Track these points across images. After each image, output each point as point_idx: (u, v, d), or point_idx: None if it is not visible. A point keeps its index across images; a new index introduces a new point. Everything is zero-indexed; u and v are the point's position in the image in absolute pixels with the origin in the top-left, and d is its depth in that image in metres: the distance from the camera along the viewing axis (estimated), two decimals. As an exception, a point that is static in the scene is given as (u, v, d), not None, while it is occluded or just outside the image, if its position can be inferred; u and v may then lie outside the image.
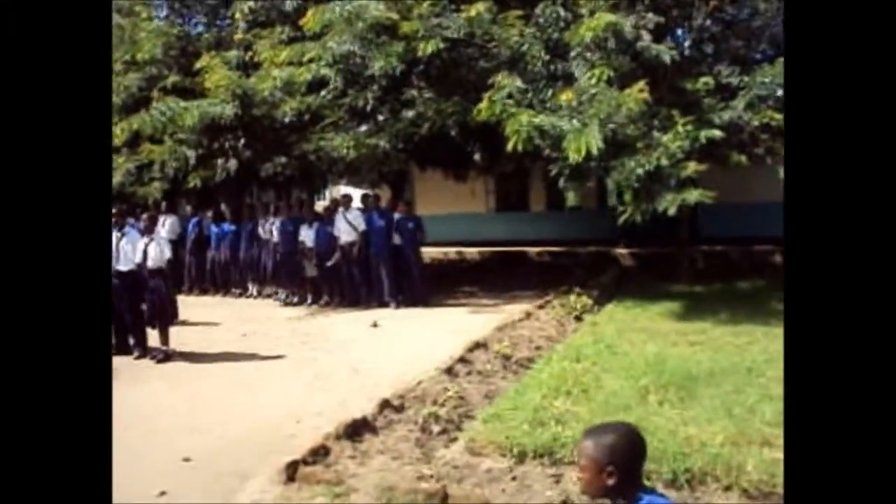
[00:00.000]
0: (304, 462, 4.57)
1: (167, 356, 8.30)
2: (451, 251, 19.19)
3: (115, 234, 8.67)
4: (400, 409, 5.67)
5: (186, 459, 5.05)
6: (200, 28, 16.27)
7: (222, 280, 14.07)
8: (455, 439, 5.22)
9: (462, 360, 7.09)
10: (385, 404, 5.64)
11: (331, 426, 5.22)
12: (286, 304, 12.57)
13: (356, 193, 14.38)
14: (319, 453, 4.72)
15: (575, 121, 9.36)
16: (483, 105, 9.85)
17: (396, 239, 11.75)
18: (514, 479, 4.49)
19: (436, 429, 5.34)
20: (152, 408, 6.53)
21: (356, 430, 5.11)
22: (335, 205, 12.74)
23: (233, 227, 13.90)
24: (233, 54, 13.38)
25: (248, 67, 13.35)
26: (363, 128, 12.66)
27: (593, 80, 9.47)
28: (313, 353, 8.42)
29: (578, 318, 9.67)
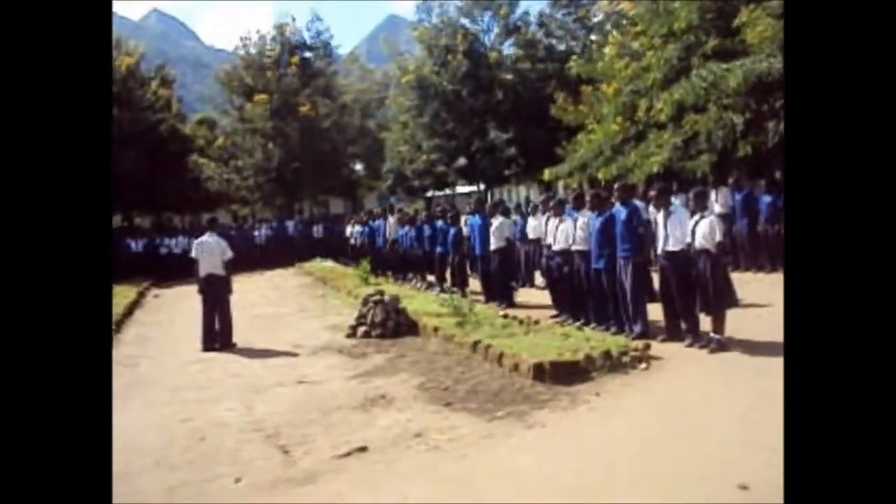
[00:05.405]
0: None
1: (722, 345, 7.51)
2: None
3: (660, 214, 8.25)
4: None
5: (743, 487, 4.16)
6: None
7: (776, 255, 12.69)
8: None
9: None
10: None
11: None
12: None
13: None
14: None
15: None
16: None
17: None
18: None
19: None
20: (703, 408, 5.83)
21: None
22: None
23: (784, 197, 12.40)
24: (775, 3, 11.96)
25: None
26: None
27: None
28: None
29: None
